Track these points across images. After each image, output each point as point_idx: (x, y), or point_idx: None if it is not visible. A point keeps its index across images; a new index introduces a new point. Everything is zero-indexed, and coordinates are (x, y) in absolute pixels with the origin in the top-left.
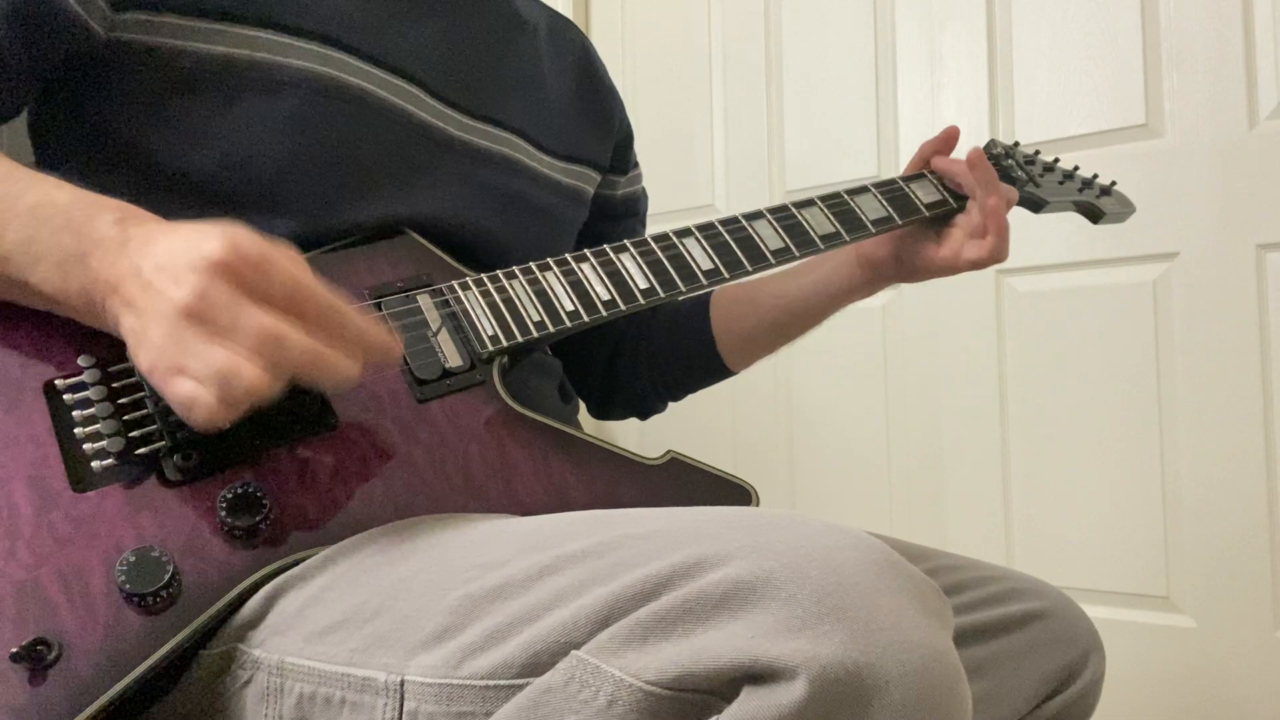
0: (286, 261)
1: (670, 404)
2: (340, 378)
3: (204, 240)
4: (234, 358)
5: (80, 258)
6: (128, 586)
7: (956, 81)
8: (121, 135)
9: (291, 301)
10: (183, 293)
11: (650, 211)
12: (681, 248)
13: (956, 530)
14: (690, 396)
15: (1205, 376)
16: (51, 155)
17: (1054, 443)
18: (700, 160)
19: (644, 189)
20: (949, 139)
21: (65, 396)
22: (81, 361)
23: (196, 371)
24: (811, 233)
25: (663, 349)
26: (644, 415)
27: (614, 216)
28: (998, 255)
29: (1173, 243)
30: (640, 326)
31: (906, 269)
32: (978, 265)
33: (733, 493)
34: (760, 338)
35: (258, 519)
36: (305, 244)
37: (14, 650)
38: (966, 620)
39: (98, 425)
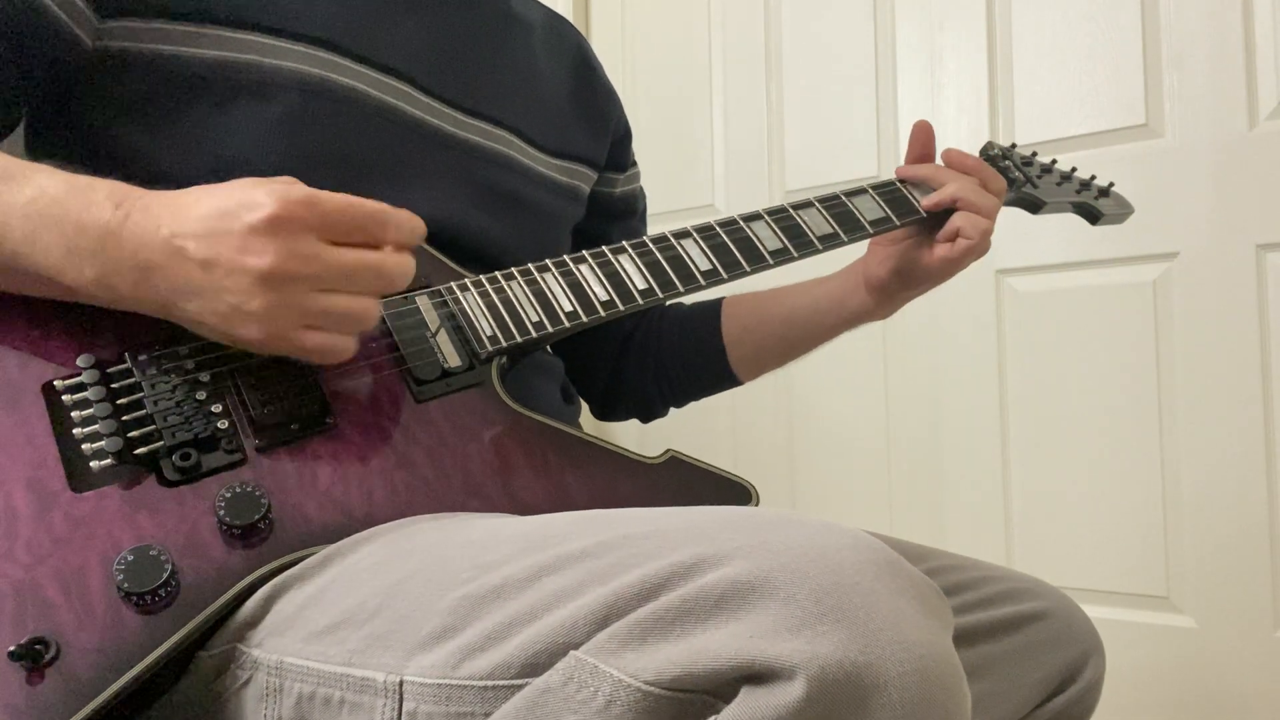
0: (324, 193)
1: (673, 409)
2: (411, 274)
3: (246, 200)
4: (350, 300)
5: (88, 248)
6: (126, 585)
7: (956, 81)
8: (115, 142)
9: (350, 227)
10: (263, 259)
11: (650, 211)
12: (680, 249)
13: (956, 530)
14: None
15: (1205, 376)
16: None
17: (1054, 442)
18: (700, 160)
19: (642, 188)
20: (924, 133)
21: (64, 397)
22: (80, 362)
23: (323, 323)
24: (810, 234)
25: (672, 355)
26: (646, 418)
27: (613, 215)
28: (977, 248)
29: (1173, 243)
30: (649, 330)
31: (910, 280)
32: (965, 257)
33: (732, 491)
34: (770, 351)
35: (256, 518)
36: None
37: (12, 649)
38: (966, 620)
39: (96, 425)
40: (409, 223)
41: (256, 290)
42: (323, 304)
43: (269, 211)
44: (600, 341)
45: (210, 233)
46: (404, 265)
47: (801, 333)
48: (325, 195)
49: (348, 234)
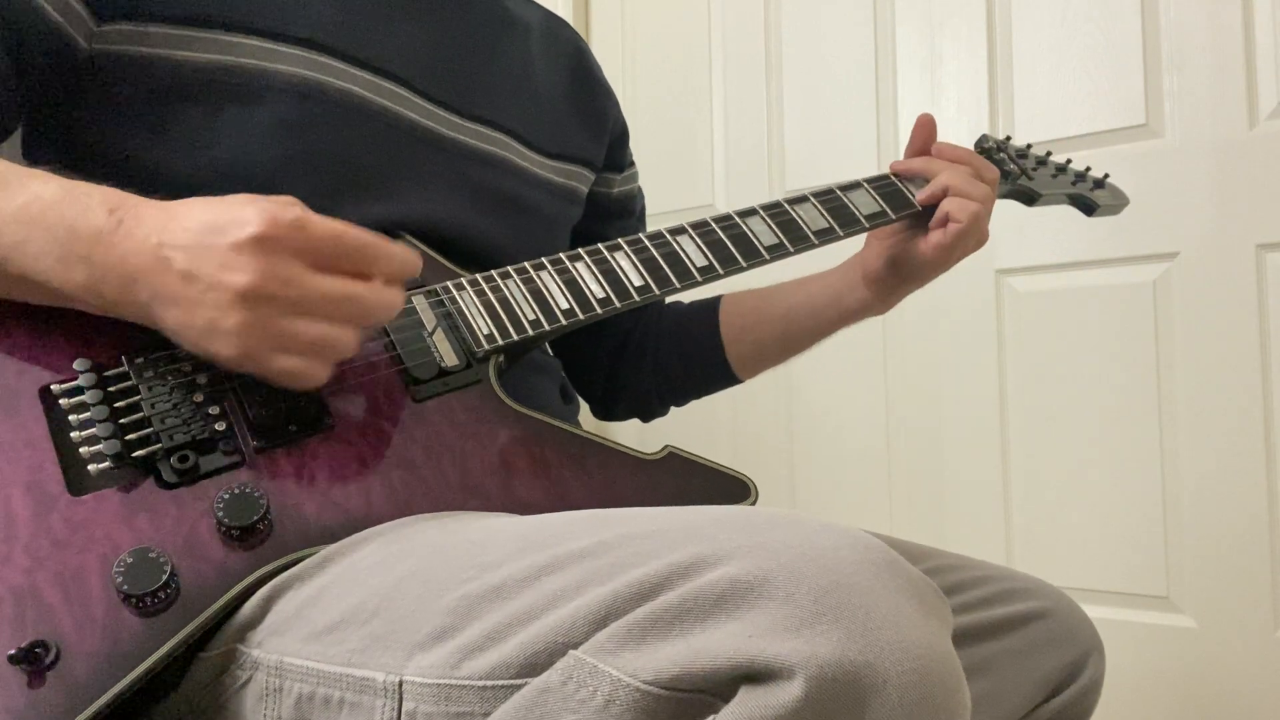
0: (316, 218)
1: (673, 408)
2: (396, 310)
3: (237, 217)
4: (326, 328)
5: (79, 252)
6: (125, 588)
7: (956, 81)
8: (112, 146)
9: (337, 255)
10: (242, 278)
11: (650, 211)
12: (675, 245)
13: (956, 530)
14: None
15: (1205, 376)
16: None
17: (1054, 443)
18: (700, 160)
19: (640, 188)
20: (926, 127)
21: (61, 401)
22: (77, 366)
23: (295, 347)
24: (805, 228)
25: (670, 353)
26: (646, 418)
27: (610, 215)
28: (971, 236)
29: (1173, 243)
30: (647, 329)
31: (906, 273)
32: (958, 242)
33: (731, 486)
34: (769, 348)
35: (255, 520)
36: None
37: (12, 653)
38: (966, 620)
39: (94, 429)
40: (400, 257)
41: (233, 308)
42: (297, 329)
43: (255, 230)
44: (597, 341)
45: (196, 245)
46: (386, 299)
47: (800, 329)
48: (316, 220)
49: (334, 262)
